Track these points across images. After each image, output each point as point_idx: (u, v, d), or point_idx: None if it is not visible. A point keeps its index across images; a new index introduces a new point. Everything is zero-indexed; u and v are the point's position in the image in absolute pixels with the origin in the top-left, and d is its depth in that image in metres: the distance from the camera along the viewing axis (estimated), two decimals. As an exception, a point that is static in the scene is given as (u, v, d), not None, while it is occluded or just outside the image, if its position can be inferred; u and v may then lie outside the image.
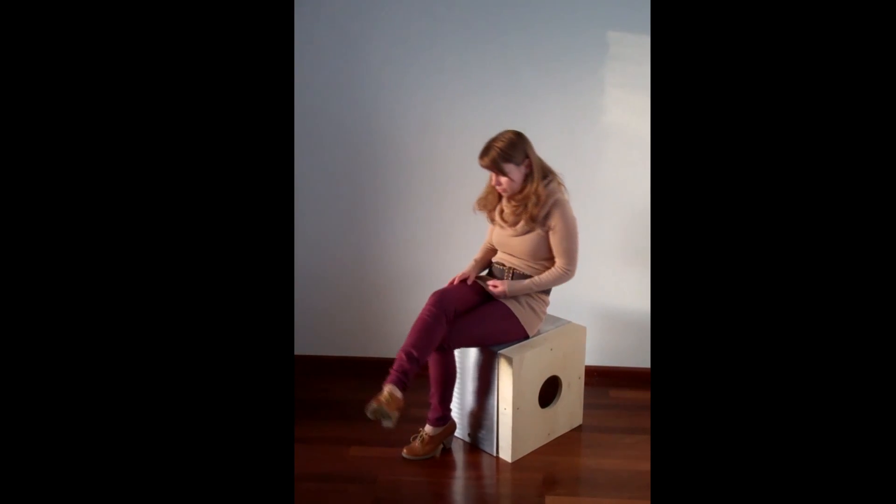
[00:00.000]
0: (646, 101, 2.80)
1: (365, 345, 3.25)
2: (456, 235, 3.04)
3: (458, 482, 2.44)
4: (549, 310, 2.88)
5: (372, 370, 3.23)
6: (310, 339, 3.22)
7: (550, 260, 2.56)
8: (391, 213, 3.07)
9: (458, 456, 2.61)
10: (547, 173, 2.50)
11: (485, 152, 2.42)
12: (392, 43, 2.87)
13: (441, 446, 2.59)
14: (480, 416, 2.60)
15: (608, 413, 2.87)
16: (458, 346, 2.49)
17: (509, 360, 2.43)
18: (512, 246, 2.56)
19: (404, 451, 2.55)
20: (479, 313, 2.50)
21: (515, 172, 2.42)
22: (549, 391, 2.65)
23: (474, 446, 2.64)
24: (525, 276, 2.56)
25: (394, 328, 3.16)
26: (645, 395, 3.00)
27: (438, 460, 2.57)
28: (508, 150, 2.40)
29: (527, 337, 2.56)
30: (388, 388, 2.36)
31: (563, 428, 2.72)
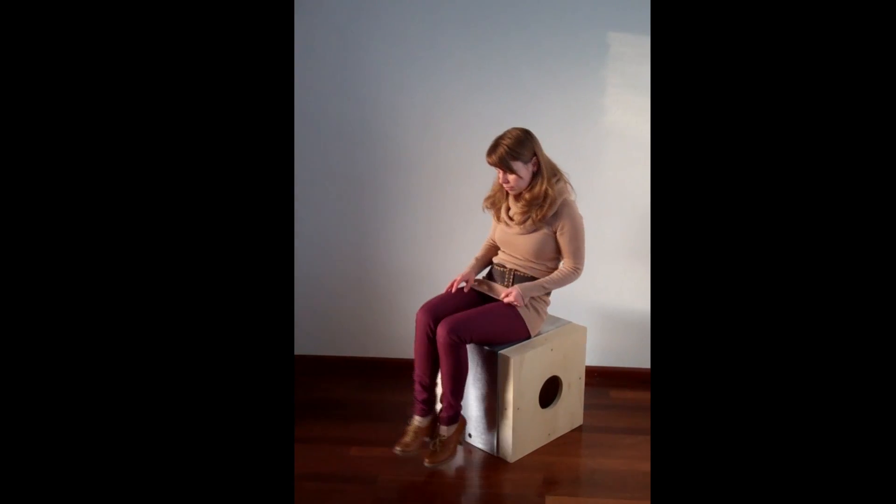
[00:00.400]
0: (646, 102, 2.80)
1: (365, 345, 3.25)
2: (456, 235, 3.04)
3: (459, 482, 2.44)
4: (550, 310, 2.88)
5: (372, 370, 3.24)
6: (310, 339, 3.23)
7: (553, 260, 2.55)
8: (391, 213, 3.07)
9: (459, 456, 2.61)
10: (555, 172, 2.49)
11: (492, 150, 2.40)
12: (392, 43, 2.87)
13: (459, 445, 2.56)
14: (481, 416, 2.60)
15: (608, 413, 2.87)
16: (470, 341, 2.43)
17: (509, 361, 2.43)
18: (516, 245, 2.54)
19: (426, 460, 2.45)
20: (488, 311, 2.48)
21: (523, 170, 2.41)
22: (550, 391, 2.65)
23: (475, 446, 2.64)
24: (526, 278, 2.55)
25: (394, 328, 3.17)
26: (645, 396, 3.00)
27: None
28: (517, 148, 2.38)
29: (528, 337, 2.56)
30: (414, 423, 2.51)
31: (563, 428, 2.72)
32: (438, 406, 2.56)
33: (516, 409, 2.48)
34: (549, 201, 2.43)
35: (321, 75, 2.91)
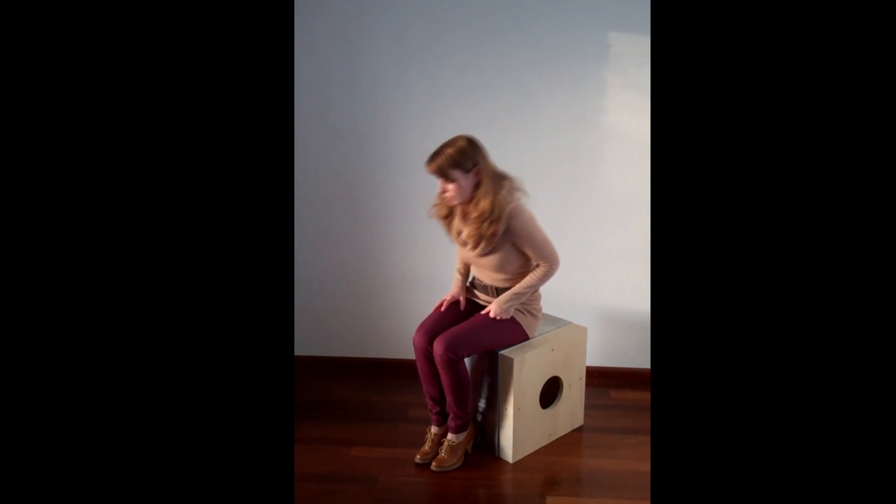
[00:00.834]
0: (647, 102, 2.80)
1: (365, 345, 3.25)
2: (456, 236, 3.04)
3: (459, 483, 2.44)
4: (551, 310, 2.88)
5: (372, 370, 3.24)
6: (310, 339, 3.23)
7: (525, 266, 2.49)
8: (391, 213, 3.07)
9: (459, 457, 2.61)
10: (501, 180, 2.37)
11: (432, 157, 2.31)
12: (392, 43, 2.87)
13: (467, 452, 2.56)
14: (481, 416, 2.60)
15: (609, 414, 2.87)
16: (466, 355, 2.44)
17: (510, 361, 2.43)
18: (481, 264, 2.48)
19: (433, 464, 2.48)
20: (482, 324, 2.46)
21: (463, 180, 2.30)
22: (550, 392, 2.65)
23: (475, 447, 2.64)
24: (506, 288, 2.50)
25: (394, 328, 3.17)
26: (646, 396, 3.00)
27: (439, 461, 2.57)
28: (457, 157, 2.28)
29: (527, 338, 2.56)
30: (431, 432, 2.57)
31: (564, 428, 2.72)
32: None
33: (517, 409, 2.48)
34: (496, 216, 2.32)
35: (322, 75, 2.91)
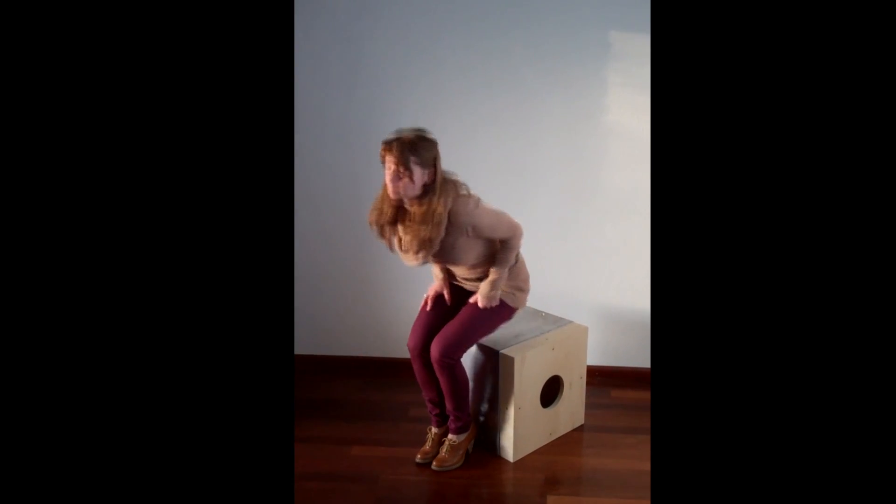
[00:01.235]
0: (648, 101, 2.79)
1: (365, 344, 3.25)
2: (457, 235, 3.03)
3: (460, 482, 2.44)
4: (551, 309, 2.88)
5: (373, 369, 3.24)
6: (310, 338, 3.23)
7: (489, 249, 2.35)
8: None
9: (460, 456, 2.61)
10: (450, 184, 2.20)
11: (395, 141, 2.11)
12: (393, 42, 2.87)
13: (468, 451, 2.56)
14: (482, 415, 2.60)
15: (610, 413, 2.87)
16: (462, 353, 2.41)
17: (511, 361, 2.43)
18: (442, 261, 2.36)
19: (434, 463, 2.48)
20: (471, 318, 2.40)
21: (419, 176, 2.13)
22: (551, 391, 2.65)
23: (476, 446, 2.64)
24: (482, 276, 2.41)
25: (394, 327, 3.17)
26: (647, 396, 2.99)
27: (440, 460, 2.57)
28: (421, 148, 2.12)
29: (516, 311, 2.48)
30: (432, 432, 2.58)
31: (564, 428, 2.72)
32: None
33: (518, 408, 2.48)
34: (434, 222, 2.15)
35: (322, 74, 2.91)
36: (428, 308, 2.51)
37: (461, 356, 2.41)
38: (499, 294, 2.41)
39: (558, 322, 2.73)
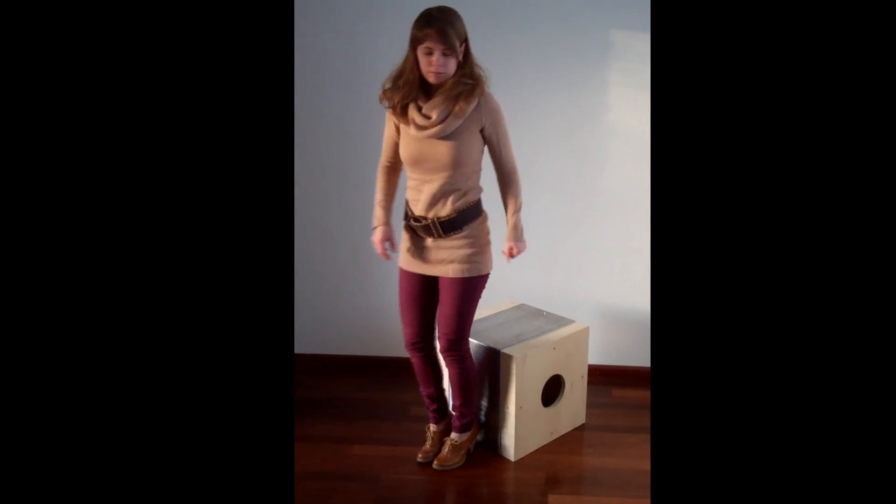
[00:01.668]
0: (649, 99, 2.79)
1: (365, 343, 3.25)
2: (458, 234, 3.03)
3: (461, 481, 2.44)
4: (552, 309, 2.88)
5: (373, 369, 3.23)
6: (311, 337, 3.22)
7: (476, 164, 2.20)
8: (391, 211, 3.07)
9: (461, 455, 2.61)
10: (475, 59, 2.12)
11: (433, 19, 1.99)
12: (393, 41, 2.85)
13: (469, 451, 2.55)
14: (483, 414, 2.60)
15: (611, 412, 2.87)
16: (468, 336, 2.34)
17: (512, 359, 2.43)
18: (433, 155, 2.12)
19: (435, 463, 2.47)
20: (458, 301, 2.25)
21: (458, 51, 2.04)
22: (552, 390, 2.65)
23: (477, 445, 2.63)
24: (454, 218, 2.17)
25: (394, 327, 3.15)
26: (648, 395, 2.99)
27: (441, 459, 2.57)
28: (457, 22, 2.02)
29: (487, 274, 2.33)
30: (430, 430, 2.56)
31: (566, 427, 2.71)
32: (451, 404, 2.57)
33: (519, 407, 2.47)
34: (477, 84, 2.08)
35: (323, 74, 2.91)
36: (387, 257, 2.33)
37: (468, 341, 2.37)
38: (522, 238, 2.30)
39: (559, 321, 2.73)
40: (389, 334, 3.18)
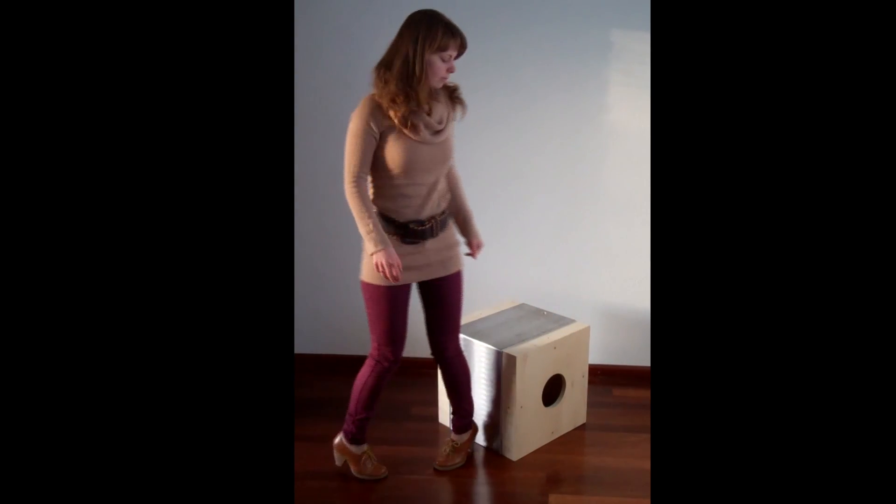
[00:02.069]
0: (649, 100, 2.79)
1: (365, 343, 3.24)
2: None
3: (462, 480, 2.44)
4: (553, 309, 2.88)
5: (375, 369, 3.23)
6: (311, 337, 3.22)
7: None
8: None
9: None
10: None
11: (455, 26, 2.03)
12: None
13: (469, 452, 2.56)
14: (484, 414, 2.60)
15: (612, 411, 2.87)
16: (456, 338, 2.37)
17: (513, 359, 2.42)
18: (440, 157, 2.11)
19: (436, 463, 2.49)
20: (457, 300, 2.29)
21: None
22: (553, 389, 2.64)
23: (478, 444, 2.63)
24: (447, 212, 2.22)
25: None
26: (648, 394, 2.99)
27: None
28: None
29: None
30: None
31: (566, 426, 2.71)
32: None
33: (520, 407, 2.47)
34: (457, 95, 2.17)
35: (323, 74, 2.90)
36: (401, 280, 2.17)
37: (456, 341, 2.40)
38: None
39: (560, 321, 2.73)
40: (390, 334, 3.18)
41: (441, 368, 2.45)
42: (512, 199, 3.01)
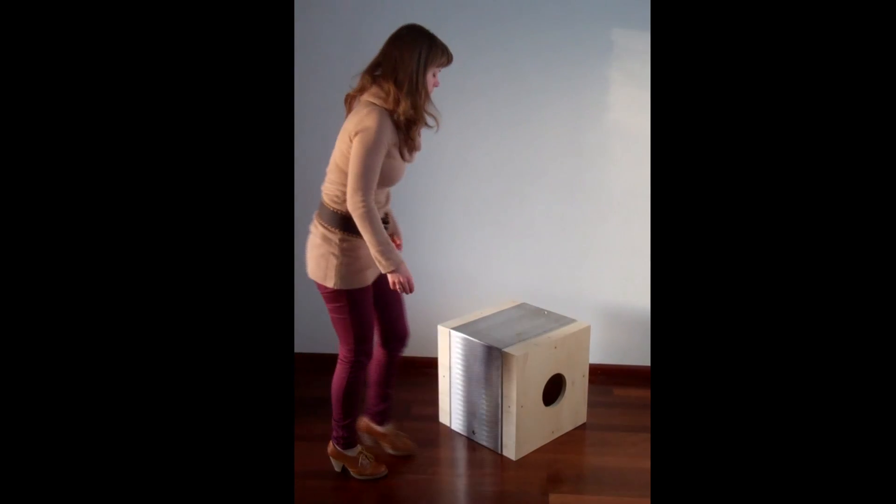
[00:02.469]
0: (649, 100, 2.79)
1: (368, 343, 3.24)
2: (458, 234, 3.03)
3: (462, 480, 2.44)
4: (554, 308, 2.88)
5: (375, 368, 3.23)
6: (311, 336, 3.22)
7: None
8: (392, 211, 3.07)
9: (462, 454, 2.61)
10: None
11: (446, 48, 2.10)
12: (394, 40, 2.86)
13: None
14: (484, 413, 2.60)
15: (612, 411, 2.87)
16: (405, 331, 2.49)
17: (513, 359, 2.42)
18: (403, 170, 2.21)
19: (397, 451, 2.57)
20: (394, 300, 2.39)
21: None
22: (554, 389, 2.64)
23: (478, 444, 2.63)
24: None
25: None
26: (649, 394, 2.99)
27: (442, 459, 2.57)
28: None
29: None
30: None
31: (567, 426, 2.71)
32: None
33: (520, 406, 2.47)
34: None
35: (323, 73, 2.90)
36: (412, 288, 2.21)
37: (404, 334, 2.51)
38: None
39: (560, 320, 2.73)
40: (390, 333, 3.18)
41: (390, 357, 2.49)
42: (512, 197, 3.01)
